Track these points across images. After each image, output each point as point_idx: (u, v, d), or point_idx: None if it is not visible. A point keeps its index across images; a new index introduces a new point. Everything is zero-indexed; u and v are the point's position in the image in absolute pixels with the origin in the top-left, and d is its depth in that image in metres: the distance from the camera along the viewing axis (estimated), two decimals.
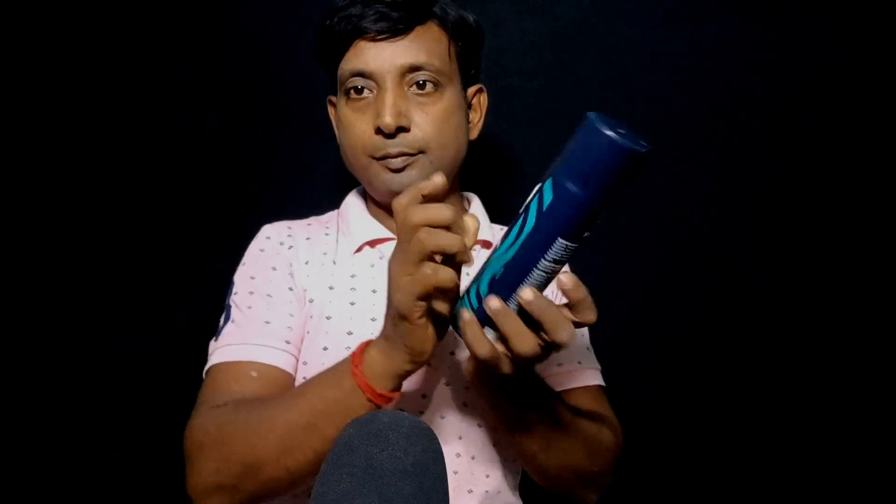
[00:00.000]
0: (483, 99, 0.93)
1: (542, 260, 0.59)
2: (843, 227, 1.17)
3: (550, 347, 0.62)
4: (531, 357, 0.61)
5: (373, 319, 0.83)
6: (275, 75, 1.24)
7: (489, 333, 0.63)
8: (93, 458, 1.24)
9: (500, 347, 0.62)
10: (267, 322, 0.82)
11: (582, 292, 0.61)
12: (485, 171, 1.22)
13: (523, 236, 0.59)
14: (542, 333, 0.61)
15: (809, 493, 1.17)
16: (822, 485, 1.17)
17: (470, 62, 0.90)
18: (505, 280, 0.61)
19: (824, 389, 1.18)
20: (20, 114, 1.24)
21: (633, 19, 1.19)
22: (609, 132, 0.53)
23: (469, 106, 0.91)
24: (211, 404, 0.76)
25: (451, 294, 0.63)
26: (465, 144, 0.89)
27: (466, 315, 0.62)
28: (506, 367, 0.63)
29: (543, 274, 0.60)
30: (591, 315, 0.62)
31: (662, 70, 1.19)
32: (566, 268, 0.62)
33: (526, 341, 0.61)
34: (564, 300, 0.62)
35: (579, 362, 0.90)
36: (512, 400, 0.73)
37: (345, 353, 0.81)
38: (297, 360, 0.84)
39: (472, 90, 0.91)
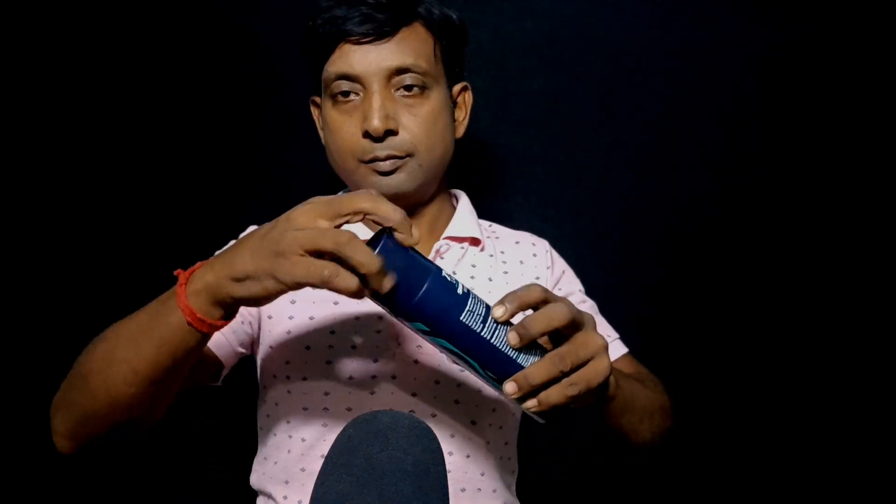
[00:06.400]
0: (468, 97, 0.93)
1: (480, 332, 0.60)
2: (843, 226, 1.17)
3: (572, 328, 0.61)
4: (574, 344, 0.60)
5: (357, 318, 0.82)
6: (266, 74, 1.23)
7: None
8: (89, 459, 1.23)
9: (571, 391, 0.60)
10: None
11: (529, 325, 0.60)
12: (485, 172, 1.23)
13: (456, 348, 0.61)
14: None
15: (808, 491, 1.17)
16: (822, 484, 1.17)
17: (454, 60, 0.89)
18: (493, 367, 0.61)
19: (823, 390, 1.18)
20: (17, 114, 1.24)
21: (633, 19, 1.18)
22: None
23: (454, 104, 0.91)
24: None
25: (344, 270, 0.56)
26: (451, 144, 0.89)
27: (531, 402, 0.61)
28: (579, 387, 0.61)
29: (490, 326, 0.60)
30: (535, 292, 0.61)
31: (662, 70, 1.19)
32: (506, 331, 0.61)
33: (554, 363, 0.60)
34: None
35: (608, 335, 0.92)
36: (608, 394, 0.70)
37: (326, 352, 0.81)
38: (232, 347, 0.83)
39: (457, 88, 0.91)
